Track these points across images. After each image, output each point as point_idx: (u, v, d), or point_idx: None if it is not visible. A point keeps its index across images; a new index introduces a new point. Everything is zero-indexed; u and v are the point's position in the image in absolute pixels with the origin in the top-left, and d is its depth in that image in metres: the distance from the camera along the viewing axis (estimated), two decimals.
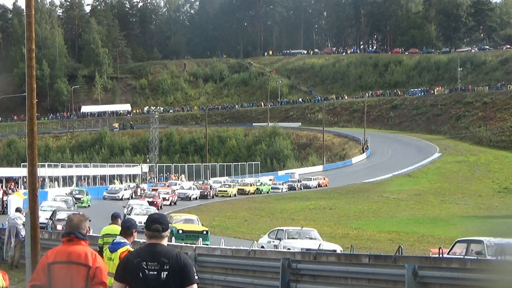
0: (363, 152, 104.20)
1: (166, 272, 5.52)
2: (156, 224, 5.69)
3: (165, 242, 5.69)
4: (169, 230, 5.77)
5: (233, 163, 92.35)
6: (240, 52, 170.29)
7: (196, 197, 63.09)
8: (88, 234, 5.97)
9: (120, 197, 61.35)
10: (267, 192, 72.11)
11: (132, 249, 9.09)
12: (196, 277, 5.62)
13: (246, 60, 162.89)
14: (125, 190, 64.46)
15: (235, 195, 67.31)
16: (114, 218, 13.36)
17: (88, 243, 5.88)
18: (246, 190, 70.06)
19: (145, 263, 5.54)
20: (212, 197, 65.23)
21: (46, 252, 5.92)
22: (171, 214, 34.80)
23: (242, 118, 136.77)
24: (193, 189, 64.93)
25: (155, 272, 5.52)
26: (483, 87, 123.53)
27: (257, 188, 71.98)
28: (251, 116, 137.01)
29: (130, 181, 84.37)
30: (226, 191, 68.17)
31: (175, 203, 56.34)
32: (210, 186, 68.23)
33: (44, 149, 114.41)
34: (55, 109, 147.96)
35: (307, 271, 13.23)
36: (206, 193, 65.05)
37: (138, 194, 63.64)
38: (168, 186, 70.87)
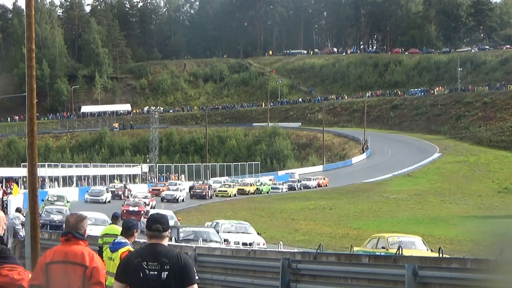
0: (363, 152, 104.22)
1: (167, 272, 5.53)
2: (157, 224, 5.69)
3: (165, 242, 5.69)
4: (169, 230, 5.76)
5: (233, 163, 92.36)
6: (240, 52, 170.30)
7: (183, 199, 60.20)
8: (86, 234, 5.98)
9: (104, 200, 56.23)
10: (267, 192, 72.08)
11: (133, 249, 9.10)
12: (197, 277, 5.63)
13: (246, 60, 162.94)
14: (107, 192, 59.12)
15: (235, 195, 66.97)
16: (115, 218, 13.42)
17: (87, 243, 5.88)
18: (246, 190, 69.81)
19: (145, 263, 5.55)
20: (210, 197, 64.05)
21: (45, 252, 5.94)
22: (386, 235, 24.24)
23: (242, 118, 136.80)
24: (180, 191, 62.19)
25: (156, 272, 5.53)
26: (483, 87, 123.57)
27: (257, 188, 71.96)
28: (251, 116, 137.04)
29: (130, 181, 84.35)
30: (226, 191, 67.61)
31: (153, 208, 50.10)
32: (209, 186, 67.24)
33: (44, 149, 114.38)
34: (55, 109, 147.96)
35: (307, 271, 13.23)
36: (204, 193, 63.92)
37: (126, 195, 60.81)
38: (167, 186, 70.43)
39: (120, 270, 5.67)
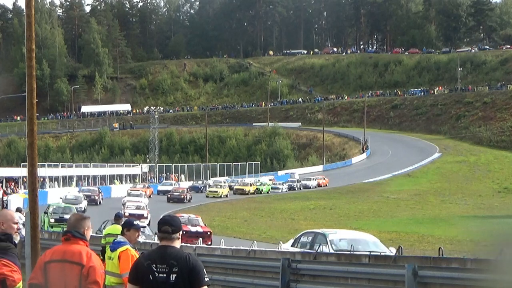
0: (363, 152, 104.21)
1: (175, 275, 5.47)
2: (166, 225, 5.62)
3: (176, 244, 5.61)
4: (181, 232, 5.69)
5: (233, 163, 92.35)
6: (240, 52, 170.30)
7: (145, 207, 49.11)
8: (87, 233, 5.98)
9: (82, 209, 45.61)
10: (267, 192, 71.85)
11: (131, 249, 9.13)
12: (207, 279, 5.54)
13: (246, 60, 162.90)
14: (84, 199, 49.38)
15: (226, 196, 65.05)
16: (117, 218, 13.45)
17: (87, 243, 5.87)
18: (246, 190, 69.02)
19: (154, 265, 5.51)
20: (189, 201, 58.86)
21: (45, 251, 5.99)
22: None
23: (242, 118, 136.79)
24: (143, 196, 52.06)
25: (165, 275, 5.48)
26: (483, 87, 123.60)
27: (257, 188, 71.56)
28: (251, 116, 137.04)
29: (130, 181, 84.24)
30: (217, 191, 65.15)
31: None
32: (187, 189, 62.55)
33: (44, 149, 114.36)
34: (55, 109, 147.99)
35: (307, 271, 13.23)
36: (182, 196, 58.78)
37: (100, 200, 55.53)
38: (147, 187, 66.02)
39: (132, 273, 5.66)
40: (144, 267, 5.54)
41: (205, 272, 5.55)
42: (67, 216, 35.68)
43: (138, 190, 59.09)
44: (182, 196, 58.75)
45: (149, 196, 59.46)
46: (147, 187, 67.07)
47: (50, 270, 5.71)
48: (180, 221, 5.74)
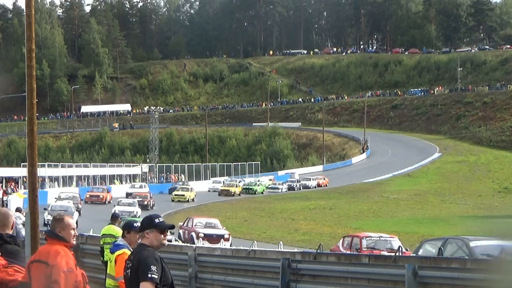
0: (363, 152, 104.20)
1: (129, 270, 5.75)
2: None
3: (147, 241, 5.77)
4: (150, 230, 5.76)
5: (233, 163, 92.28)
6: (240, 52, 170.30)
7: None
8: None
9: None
10: (262, 193, 70.72)
11: (129, 253, 9.10)
12: (151, 276, 5.52)
13: (246, 60, 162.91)
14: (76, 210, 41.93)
15: (193, 200, 60.68)
16: (114, 218, 13.42)
17: (63, 242, 5.85)
18: (231, 191, 66.60)
19: (127, 261, 5.86)
20: (152, 207, 51.69)
21: None
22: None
23: (242, 118, 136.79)
24: (136, 205, 45.59)
25: (128, 270, 5.78)
26: (483, 87, 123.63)
27: (246, 189, 69.80)
28: (251, 116, 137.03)
29: (130, 181, 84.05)
30: (183, 195, 59.95)
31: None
32: (150, 194, 55.38)
33: (44, 149, 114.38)
34: (55, 109, 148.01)
35: (307, 271, 13.22)
36: (145, 202, 51.10)
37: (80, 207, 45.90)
38: (107, 192, 58.70)
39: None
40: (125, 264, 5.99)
41: (152, 270, 5.55)
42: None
43: (98, 195, 55.12)
44: (146, 202, 51.31)
45: (109, 202, 53.38)
46: (107, 191, 58.95)
47: (31, 270, 5.82)
48: (147, 220, 5.86)
